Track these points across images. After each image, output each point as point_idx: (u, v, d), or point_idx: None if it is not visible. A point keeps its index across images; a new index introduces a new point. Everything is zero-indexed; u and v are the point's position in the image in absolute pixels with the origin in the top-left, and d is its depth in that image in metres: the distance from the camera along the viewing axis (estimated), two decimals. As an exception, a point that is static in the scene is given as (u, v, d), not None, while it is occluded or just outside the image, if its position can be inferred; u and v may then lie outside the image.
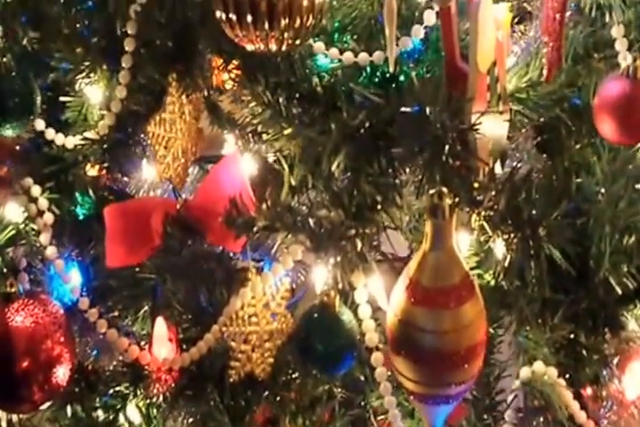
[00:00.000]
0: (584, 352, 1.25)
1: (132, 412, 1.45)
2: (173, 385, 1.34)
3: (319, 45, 1.23)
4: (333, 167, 1.16)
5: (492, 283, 1.22)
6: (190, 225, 1.30)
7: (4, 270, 1.33)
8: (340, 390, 1.39)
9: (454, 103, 1.04)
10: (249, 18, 1.05)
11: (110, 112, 1.34)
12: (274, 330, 1.27)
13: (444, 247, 1.03)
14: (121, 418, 1.45)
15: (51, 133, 1.35)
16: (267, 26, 1.05)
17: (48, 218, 1.35)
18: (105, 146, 1.38)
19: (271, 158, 1.35)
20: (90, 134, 1.36)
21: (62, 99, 1.38)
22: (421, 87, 1.13)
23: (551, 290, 1.17)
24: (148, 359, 1.33)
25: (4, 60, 1.30)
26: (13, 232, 1.34)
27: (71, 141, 1.36)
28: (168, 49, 1.31)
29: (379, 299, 1.23)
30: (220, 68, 1.32)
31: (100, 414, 1.45)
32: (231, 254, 1.36)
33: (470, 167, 1.06)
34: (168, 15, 1.28)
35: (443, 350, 1.03)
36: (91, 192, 1.43)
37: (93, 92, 1.37)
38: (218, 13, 1.07)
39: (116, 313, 1.40)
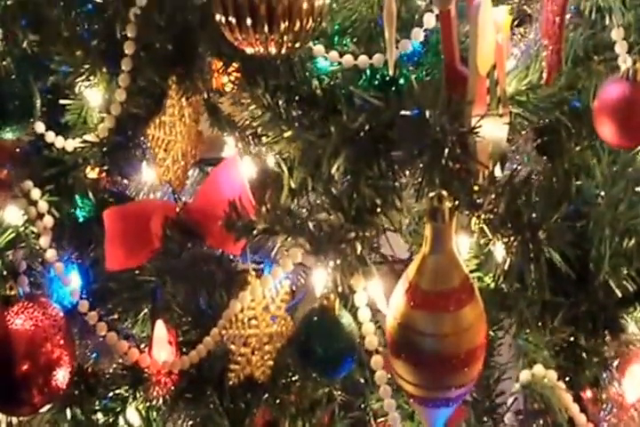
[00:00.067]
0: (584, 355, 1.25)
1: (132, 415, 1.44)
2: (173, 388, 1.34)
3: (319, 48, 1.23)
4: (333, 170, 1.16)
5: (492, 286, 1.22)
6: (190, 228, 1.30)
7: (4, 273, 1.34)
8: (339, 392, 1.39)
9: (454, 106, 1.04)
10: (248, 21, 1.05)
11: (110, 115, 1.34)
12: (273, 333, 1.27)
13: (444, 250, 1.03)
14: (121, 421, 1.45)
15: (50, 136, 1.35)
16: (266, 29, 1.05)
17: (48, 221, 1.35)
18: (105, 149, 1.38)
19: (271, 161, 1.35)
20: (90, 137, 1.36)
21: (62, 102, 1.38)
22: (421, 90, 1.12)
23: (551, 293, 1.17)
24: (147, 362, 1.33)
25: (4, 62, 1.30)
26: (13, 235, 1.34)
27: (71, 144, 1.36)
28: (168, 52, 1.31)
29: (378, 302, 1.23)
30: (220, 70, 1.32)
31: (100, 416, 1.45)
32: (231, 257, 1.36)
33: (470, 170, 1.06)
34: (168, 18, 1.28)
35: (443, 353, 1.03)
36: (90, 195, 1.43)
37: (93, 94, 1.37)
38: (217, 16, 1.07)
39: (116, 316, 1.40)
